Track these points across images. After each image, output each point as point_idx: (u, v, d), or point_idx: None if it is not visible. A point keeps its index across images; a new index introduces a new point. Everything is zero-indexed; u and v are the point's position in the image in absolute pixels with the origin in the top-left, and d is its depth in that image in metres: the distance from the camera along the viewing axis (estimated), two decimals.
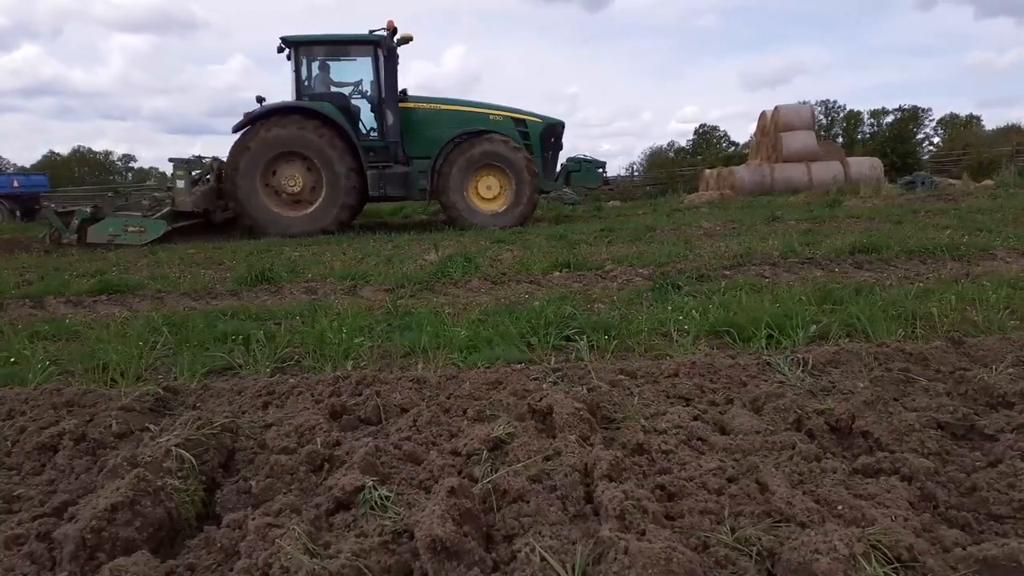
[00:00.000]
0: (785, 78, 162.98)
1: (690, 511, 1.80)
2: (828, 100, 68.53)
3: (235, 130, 12.62)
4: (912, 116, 64.39)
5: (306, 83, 13.06)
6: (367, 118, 13.43)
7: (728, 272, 6.20)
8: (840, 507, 1.75)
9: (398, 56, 13.05)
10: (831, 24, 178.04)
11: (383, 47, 12.78)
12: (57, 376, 3.63)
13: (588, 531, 1.70)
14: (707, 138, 72.89)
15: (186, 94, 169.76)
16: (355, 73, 13.71)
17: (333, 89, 13.55)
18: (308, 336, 4.13)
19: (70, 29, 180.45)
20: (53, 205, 13.11)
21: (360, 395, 2.85)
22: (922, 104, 66.24)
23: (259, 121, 12.37)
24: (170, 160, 13.00)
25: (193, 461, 2.08)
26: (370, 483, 1.88)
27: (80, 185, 48.37)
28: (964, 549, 1.57)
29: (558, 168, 14.36)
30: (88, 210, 12.09)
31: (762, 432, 2.30)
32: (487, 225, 12.49)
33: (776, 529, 1.66)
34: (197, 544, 1.78)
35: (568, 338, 3.98)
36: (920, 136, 65.09)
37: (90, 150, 79.17)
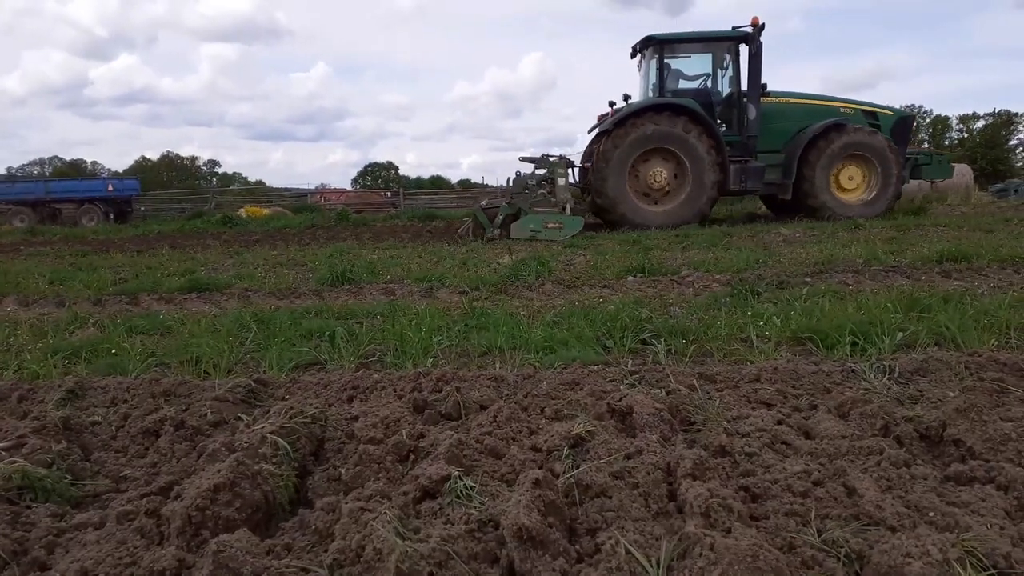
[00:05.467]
0: (871, 82, 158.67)
1: (775, 512, 1.79)
2: (913, 105, 66.24)
3: (600, 131, 13.09)
4: (1005, 121, 61.67)
5: (667, 80, 13.32)
6: (718, 113, 13.53)
7: (809, 279, 6.06)
8: (932, 513, 1.71)
9: (762, 51, 13.03)
10: (920, 27, 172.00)
11: (751, 43, 12.89)
12: (154, 367, 3.84)
13: (671, 528, 1.71)
14: None
15: (268, 101, 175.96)
16: (702, 69, 13.84)
17: (682, 85, 13.71)
18: (389, 334, 4.23)
19: (163, 38, 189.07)
20: (483, 203, 13.65)
21: (440, 391, 2.92)
22: (1016, 109, 63.30)
23: (631, 118, 12.65)
24: (521, 159, 13.29)
25: (288, 448, 2.17)
26: (455, 473, 1.93)
27: (168, 189, 50.63)
28: None
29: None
30: (507, 206, 12.57)
31: (848, 437, 2.26)
32: (850, 215, 12.40)
33: (865, 532, 1.64)
34: (292, 526, 1.86)
35: (644, 341, 3.96)
36: (1013, 142, 62.28)
37: (178, 155, 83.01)
